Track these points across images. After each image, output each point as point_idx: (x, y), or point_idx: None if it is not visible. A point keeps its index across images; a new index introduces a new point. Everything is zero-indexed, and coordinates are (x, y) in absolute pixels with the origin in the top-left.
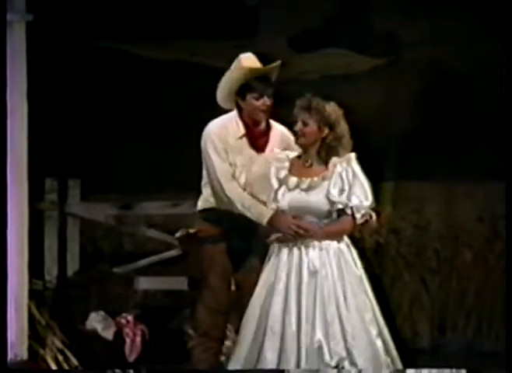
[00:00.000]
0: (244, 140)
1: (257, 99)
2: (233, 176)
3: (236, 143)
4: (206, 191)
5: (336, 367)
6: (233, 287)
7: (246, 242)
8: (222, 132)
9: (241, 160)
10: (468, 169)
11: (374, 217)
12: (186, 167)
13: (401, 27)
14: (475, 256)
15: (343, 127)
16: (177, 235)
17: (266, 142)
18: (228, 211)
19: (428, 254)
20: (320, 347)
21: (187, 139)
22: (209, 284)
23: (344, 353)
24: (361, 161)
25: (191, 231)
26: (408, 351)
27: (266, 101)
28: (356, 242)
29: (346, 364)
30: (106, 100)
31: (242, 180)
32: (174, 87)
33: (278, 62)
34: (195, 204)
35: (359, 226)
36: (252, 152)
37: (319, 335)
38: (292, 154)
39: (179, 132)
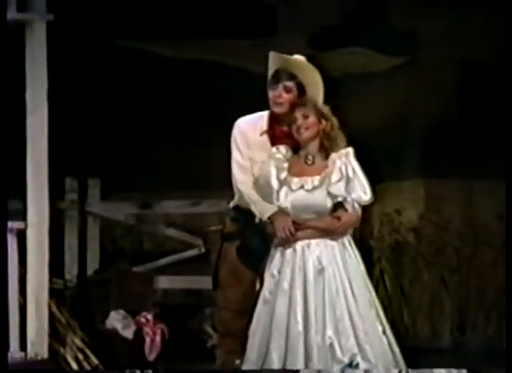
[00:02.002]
0: (265, 137)
1: (272, 90)
2: (249, 171)
3: (259, 139)
4: None
5: (349, 364)
6: (258, 286)
7: (264, 240)
8: (247, 127)
9: (260, 156)
10: (488, 167)
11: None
12: (206, 166)
13: (420, 25)
14: (495, 254)
15: (334, 119)
16: (208, 229)
17: (290, 143)
18: (247, 209)
19: (448, 253)
20: (331, 345)
21: (207, 138)
22: (221, 282)
23: (356, 349)
24: (380, 160)
25: (219, 227)
26: (427, 351)
27: (276, 92)
28: (376, 241)
29: (359, 359)
30: (126, 99)
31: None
32: (192, 86)
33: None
34: (215, 203)
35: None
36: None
37: (329, 332)
38: (290, 152)
39: (198, 131)
